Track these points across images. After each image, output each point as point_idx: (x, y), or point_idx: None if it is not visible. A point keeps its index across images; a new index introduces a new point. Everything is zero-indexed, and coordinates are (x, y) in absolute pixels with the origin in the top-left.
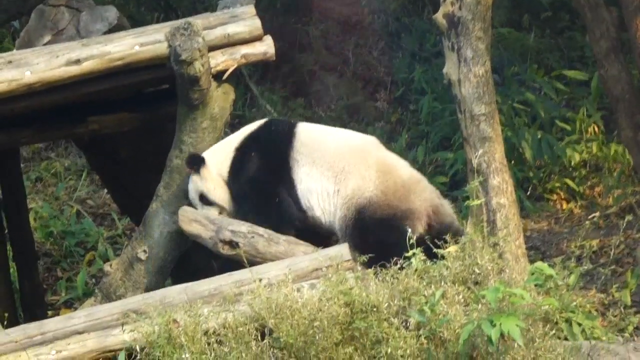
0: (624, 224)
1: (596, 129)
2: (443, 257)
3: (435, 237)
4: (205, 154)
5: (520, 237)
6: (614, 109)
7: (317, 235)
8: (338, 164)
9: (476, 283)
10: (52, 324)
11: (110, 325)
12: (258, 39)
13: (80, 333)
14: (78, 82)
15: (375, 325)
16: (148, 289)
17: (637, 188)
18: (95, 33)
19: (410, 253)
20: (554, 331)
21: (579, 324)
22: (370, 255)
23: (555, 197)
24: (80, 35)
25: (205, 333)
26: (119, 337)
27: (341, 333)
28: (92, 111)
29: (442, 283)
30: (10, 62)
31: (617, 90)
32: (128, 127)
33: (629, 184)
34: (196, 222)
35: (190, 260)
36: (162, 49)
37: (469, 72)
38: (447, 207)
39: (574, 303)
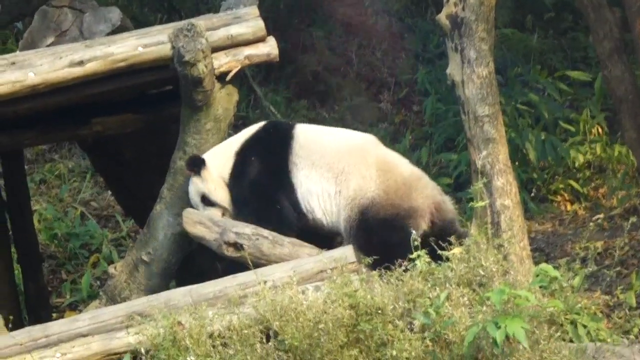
0: (629, 226)
1: (600, 130)
2: (448, 259)
3: (438, 234)
4: (205, 156)
5: (525, 238)
6: (618, 109)
7: (318, 236)
8: (338, 165)
9: (481, 285)
10: (56, 327)
11: (115, 328)
12: (261, 40)
13: (84, 336)
14: (81, 83)
15: (380, 328)
16: (153, 291)
17: None
18: (98, 34)
19: (415, 255)
20: (559, 333)
21: (584, 326)
22: (375, 257)
23: (559, 198)
24: (84, 36)
25: (210, 335)
26: (124, 340)
27: (346, 335)
28: (96, 112)
29: (447, 285)
30: (13, 63)
31: (620, 91)
32: (132, 128)
33: (633, 185)
34: (200, 224)
35: (195, 262)
36: (165, 50)
37: (472, 73)
38: (448, 204)
39: (579, 305)
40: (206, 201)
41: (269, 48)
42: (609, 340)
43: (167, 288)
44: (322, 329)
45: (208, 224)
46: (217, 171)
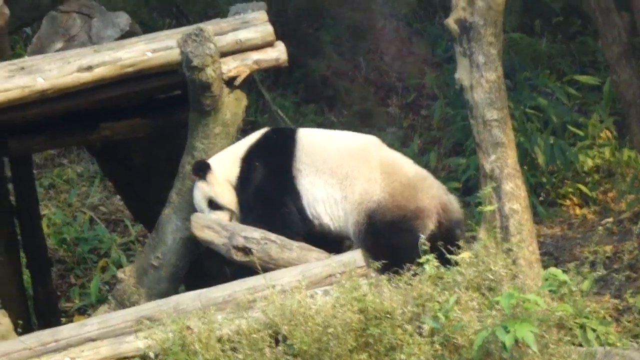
0: (638, 229)
1: (608, 134)
2: (456, 263)
3: (445, 234)
4: (210, 161)
5: (534, 242)
6: (626, 113)
7: (326, 240)
8: (341, 170)
9: (490, 289)
10: (65, 331)
11: (124, 332)
12: (270, 44)
13: (93, 340)
14: (90, 88)
15: (389, 332)
16: (161, 295)
17: None
18: (106, 39)
19: (423, 259)
20: (568, 337)
21: (593, 330)
22: (384, 261)
23: (568, 202)
24: (92, 41)
25: (219, 340)
26: (133, 344)
27: (355, 340)
28: (104, 117)
29: (456, 289)
30: (22, 68)
31: (629, 95)
32: (140, 133)
33: None
34: (209, 228)
35: (204, 266)
36: (173, 55)
37: (480, 78)
38: (455, 204)
39: (588, 309)
40: (213, 205)
41: (278, 53)
42: (618, 344)
43: (176, 292)
44: (331, 333)
45: (217, 228)
46: (224, 175)
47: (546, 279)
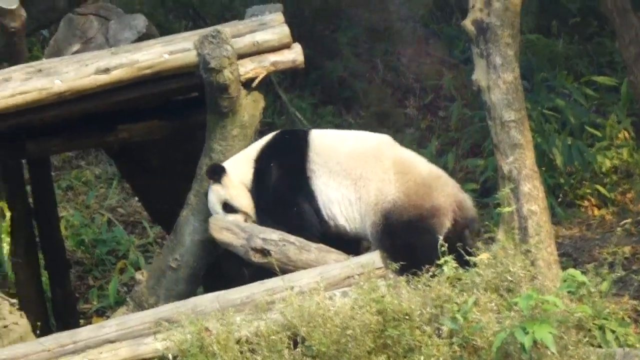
0: None
1: (626, 134)
2: (475, 265)
3: (460, 232)
4: (225, 164)
5: (552, 244)
6: None
7: (343, 241)
8: (355, 171)
9: (508, 290)
10: (84, 333)
11: (142, 334)
12: (287, 46)
13: (112, 342)
14: (107, 90)
15: (408, 333)
16: (180, 297)
17: None
18: (124, 41)
19: (442, 261)
20: (587, 338)
21: (612, 331)
22: (402, 262)
23: (586, 203)
24: (109, 43)
25: (238, 341)
26: (151, 346)
27: (374, 341)
28: (122, 119)
29: (475, 290)
30: (40, 70)
31: None
32: (158, 135)
33: None
34: (227, 230)
35: (222, 268)
36: (191, 57)
37: (498, 79)
38: (469, 202)
39: (607, 310)
40: (228, 208)
41: (295, 54)
42: (637, 345)
43: (194, 294)
44: (349, 334)
45: (235, 230)
46: (239, 178)
47: (565, 280)
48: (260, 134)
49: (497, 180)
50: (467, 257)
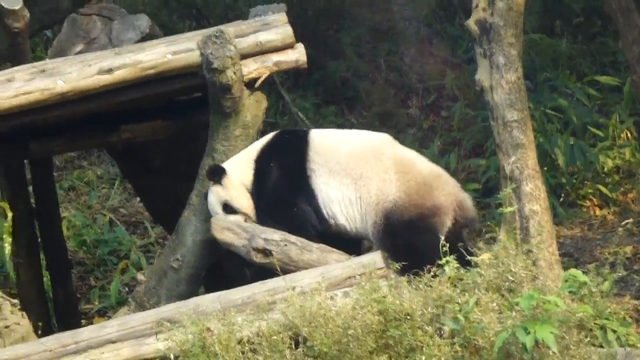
0: None
1: (629, 134)
2: (476, 265)
3: (458, 232)
4: (225, 165)
5: (554, 243)
6: None
7: (343, 242)
8: (355, 170)
9: (510, 290)
10: (86, 333)
11: (144, 334)
12: (290, 46)
13: (113, 342)
14: (110, 90)
15: (409, 334)
16: (181, 297)
17: None
18: (127, 42)
19: (443, 261)
20: (588, 338)
21: (614, 331)
22: (403, 261)
23: (588, 203)
24: (112, 44)
25: (239, 342)
26: (153, 346)
27: (375, 341)
28: (125, 120)
29: (476, 290)
30: (43, 71)
31: None
32: (161, 135)
33: None
34: (229, 230)
35: (223, 268)
36: (194, 57)
37: (501, 79)
38: (469, 201)
39: (608, 310)
40: (228, 209)
41: (298, 54)
42: (639, 345)
43: (196, 294)
44: (351, 334)
45: (236, 230)
46: (239, 179)
47: (566, 280)
48: (263, 133)
49: (499, 180)
50: (469, 257)
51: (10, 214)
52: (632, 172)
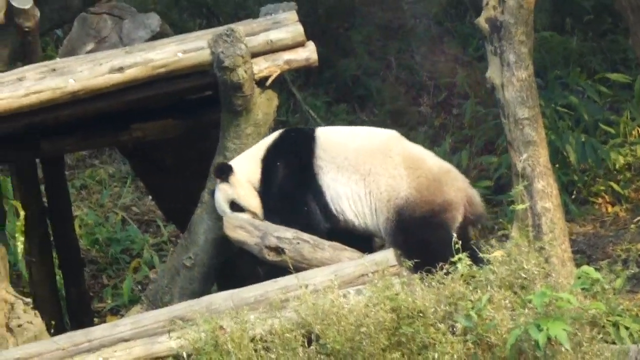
0: None
1: None
2: (489, 262)
3: (465, 228)
4: (232, 163)
5: (566, 241)
6: None
7: (352, 238)
8: (364, 166)
9: (522, 288)
10: (98, 331)
11: (156, 333)
12: (301, 45)
13: (126, 340)
14: (121, 89)
15: (422, 331)
16: (194, 295)
17: None
18: (137, 40)
19: (456, 258)
20: (601, 335)
21: (627, 328)
22: (415, 257)
23: (600, 200)
24: (123, 42)
25: (252, 339)
26: (166, 344)
27: (388, 339)
28: (136, 118)
29: (489, 288)
30: (54, 70)
31: None
32: (172, 134)
33: None
34: (241, 228)
35: (236, 266)
36: (204, 55)
37: (512, 76)
38: (477, 197)
39: (621, 306)
40: (235, 207)
41: (308, 53)
42: None
43: (209, 292)
44: (363, 332)
45: (249, 228)
46: (246, 177)
47: (579, 277)
48: (273, 132)
49: (510, 178)
50: (481, 255)
51: (22, 213)
52: None
